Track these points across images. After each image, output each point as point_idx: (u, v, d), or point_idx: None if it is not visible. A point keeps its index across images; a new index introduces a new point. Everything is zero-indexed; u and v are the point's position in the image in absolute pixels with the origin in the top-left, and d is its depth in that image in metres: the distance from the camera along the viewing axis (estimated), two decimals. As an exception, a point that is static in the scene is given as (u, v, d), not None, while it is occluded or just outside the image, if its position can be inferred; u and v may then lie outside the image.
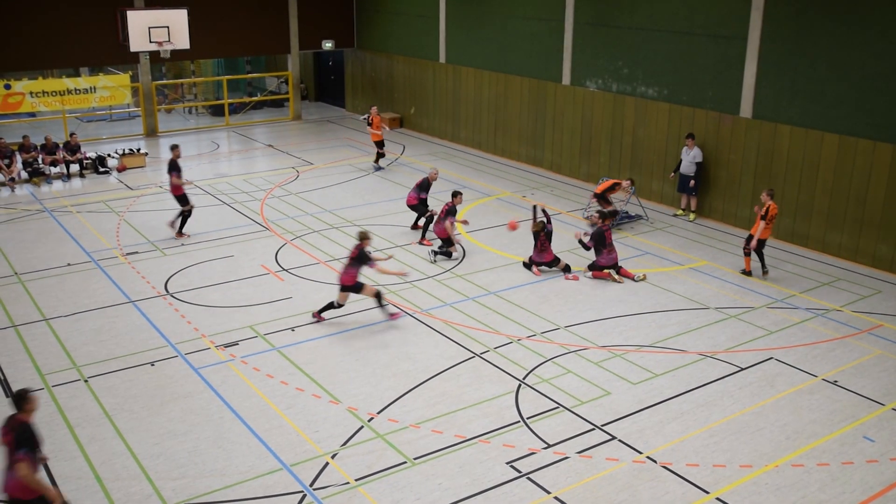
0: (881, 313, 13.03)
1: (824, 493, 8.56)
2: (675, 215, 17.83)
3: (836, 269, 14.84)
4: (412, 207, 16.64)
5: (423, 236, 16.21)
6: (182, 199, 16.16)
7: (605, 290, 13.79)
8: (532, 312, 12.91)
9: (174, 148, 16.35)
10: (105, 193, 19.58)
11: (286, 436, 9.51)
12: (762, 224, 13.94)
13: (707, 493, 8.53)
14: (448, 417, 9.91)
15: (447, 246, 15.18)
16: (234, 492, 8.53)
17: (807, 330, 12.38)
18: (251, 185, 20.23)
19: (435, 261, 15.09)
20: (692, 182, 17.17)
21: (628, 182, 17.13)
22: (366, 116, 21.90)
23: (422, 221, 16.55)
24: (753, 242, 14.09)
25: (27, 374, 10.93)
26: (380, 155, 21.88)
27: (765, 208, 13.97)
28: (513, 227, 15.17)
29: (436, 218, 15.57)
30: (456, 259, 15.15)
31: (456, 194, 15.47)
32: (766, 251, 14.56)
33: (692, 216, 17.61)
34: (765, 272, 14.32)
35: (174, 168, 15.92)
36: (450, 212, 15.19)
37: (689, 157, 17.13)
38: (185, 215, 16.26)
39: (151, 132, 26.14)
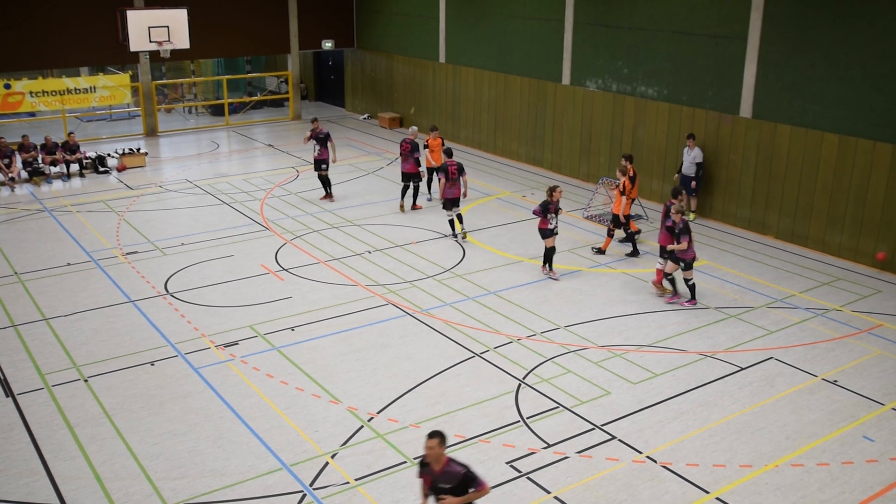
0: (881, 313, 13.03)
1: (824, 492, 8.56)
2: None
3: (836, 269, 14.84)
4: (412, 176, 18.04)
5: (416, 202, 18.31)
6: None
7: (605, 290, 13.79)
8: (532, 312, 12.91)
9: (314, 120, 18.91)
10: (105, 193, 19.58)
11: (286, 436, 9.51)
12: (623, 200, 14.85)
13: (707, 492, 8.54)
14: (448, 417, 9.91)
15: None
16: (233, 491, 8.52)
17: (807, 330, 12.38)
18: (251, 185, 20.23)
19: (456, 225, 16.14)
20: (693, 183, 17.17)
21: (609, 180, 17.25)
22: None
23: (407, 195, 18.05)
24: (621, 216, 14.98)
25: (27, 374, 10.93)
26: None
27: (621, 183, 14.84)
28: (882, 258, 14.35)
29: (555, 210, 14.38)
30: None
31: (678, 192, 13.97)
32: (770, 250, 14.56)
33: (692, 216, 17.60)
34: (633, 254, 15.26)
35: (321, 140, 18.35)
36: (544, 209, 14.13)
37: (690, 158, 17.13)
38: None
39: (151, 132, 26.13)
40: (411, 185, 18.17)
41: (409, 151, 17.91)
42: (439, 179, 16.06)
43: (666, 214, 13.44)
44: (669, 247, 13.03)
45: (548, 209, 14.02)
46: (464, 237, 16.23)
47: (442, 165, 16.17)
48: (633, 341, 11.97)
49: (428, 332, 12.20)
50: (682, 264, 13.05)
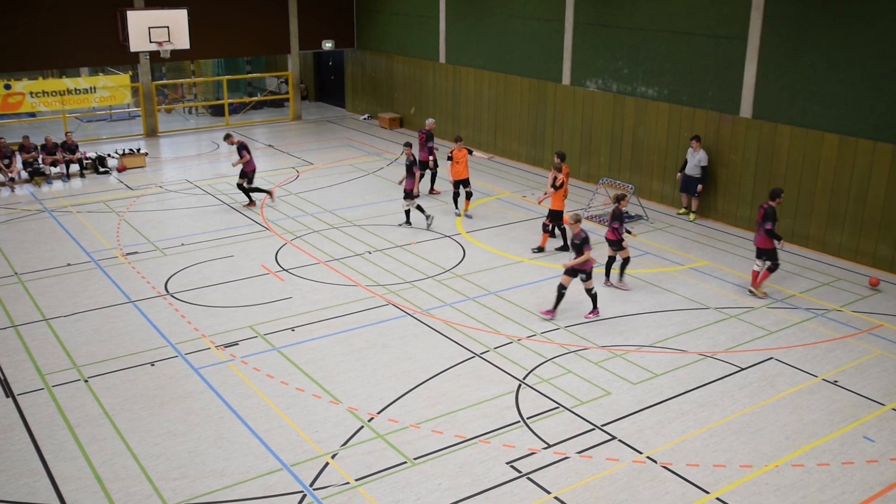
0: (881, 313, 13.03)
1: (824, 493, 8.56)
2: (678, 214, 17.84)
3: (836, 269, 14.84)
4: (425, 164, 18.95)
5: (433, 186, 19.42)
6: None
7: (605, 290, 13.78)
8: (532, 312, 12.91)
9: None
10: (105, 193, 19.58)
11: (286, 436, 9.51)
12: (560, 196, 15.26)
13: (707, 493, 8.54)
14: (448, 417, 9.91)
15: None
16: (234, 492, 8.52)
17: (807, 330, 12.38)
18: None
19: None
20: (699, 186, 17.09)
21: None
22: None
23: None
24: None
25: (27, 374, 10.93)
26: (466, 195, 17.85)
27: (557, 179, 15.12)
28: (875, 283, 14.00)
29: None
30: None
31: (777, 194, 13.48)
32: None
33: (692, 216, 17.60)
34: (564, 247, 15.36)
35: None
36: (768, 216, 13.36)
37: (695, 160, 17.05)
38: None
39: (151, 132, 26.14)
40: (427, 172, 19.27)
41: (424, 141, 19.11)
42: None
43: (764, 217, 13.13)
44: (566, 263, 12.42)
45: (621, 218, 13.65)
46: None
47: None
48: (634, 341, 11.97)
49: (428, 333, 12.20)
50: (582, 275, 12.44)
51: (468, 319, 12.65)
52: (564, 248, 15.59)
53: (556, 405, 10.20)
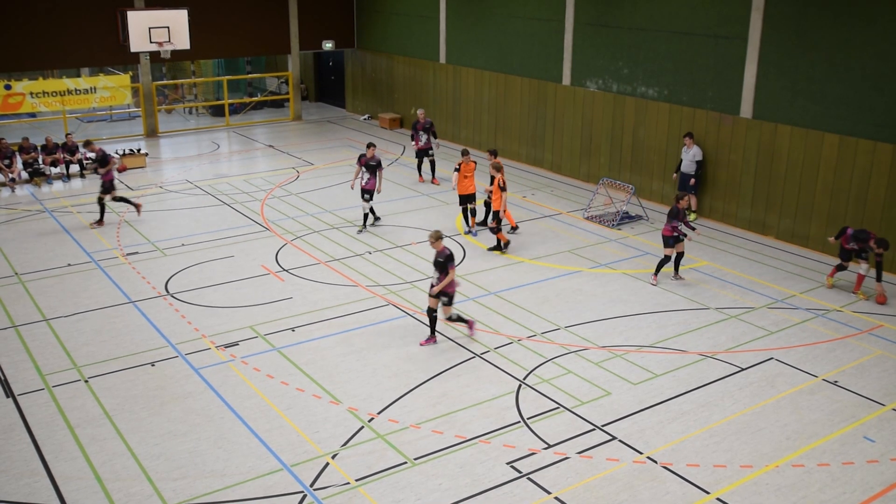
0: (881, 314, 13.02)
1: (825, 493, 8.55)
2: None
3: (837, 270, 14.84)
4: (420, 152, 20.22)
5: (432, 174, 20.26)
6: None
7: (605, 291, 13.79)
8: (532, 313, 12.91)
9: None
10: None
11: (286, 436, 9.51)
12: (504, 196, 15.28)
13: (707, 493, 8.53)
14: (448, 418, 9.91)
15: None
16: (234, 492, 8.53)
17: (807, 330, 12.38)
18: (251, 186, 20.24)
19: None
20: (692, 181, 17.19)
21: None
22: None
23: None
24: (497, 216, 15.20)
25: (27, 375, 10.93)
26: (471, 211, 16.74)
27: (499, 180, 15.26)
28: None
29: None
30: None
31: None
32: (770, 251, 14.56)
33: (692, 216, 17.60)
34: (503, 247, 15.45)
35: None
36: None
37: (689, 156, 17.15)
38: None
39: (152, 132, 26.14)
40: (425, 159, 20.33)
41: (418, 131, 20.29)
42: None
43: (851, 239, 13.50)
44: (434, 289, 11.48)
45: (677, 217, 13.67)
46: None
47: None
48: (634, 342, 11.97)
49: (428, 333, 12.19)
50: (444, 298, 11.57)
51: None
52: (499, 247, 15.56)
53: (557, 405, 10.20)
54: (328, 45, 28.51)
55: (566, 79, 20.59)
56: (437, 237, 11.54)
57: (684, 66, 17.67)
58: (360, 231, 16.68)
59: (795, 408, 10.20)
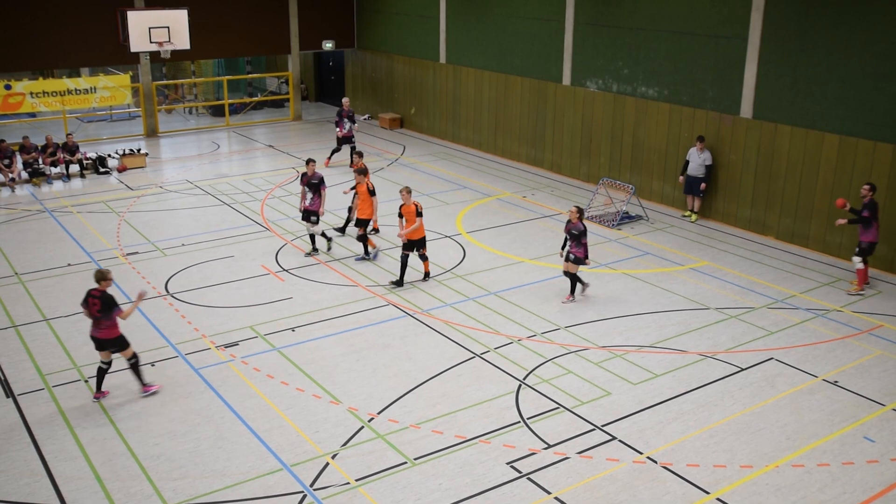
0: (881, 314, 13.02)
1: (825, 493, 8.56)
2: (683, 216, 17.79)
3: (837, 270, 14.84)
4: (346, 139, 21.48)
5: (351, 160, 20.56)
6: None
7: (605, 291, 13.78)
8: (532, 313, 12.91)
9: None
10: (105, 194, 19.58)
11: (286, 436, 9.51)
12: (375, 201, 14.93)
13: (707, 493, 8.54)
14: (448, 418, 9.91)
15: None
16: (234, 492, 8.53)
17: (807, 330, 12.38)
18: (251, 186, 20.24)
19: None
20: (703, 185, 17.07)
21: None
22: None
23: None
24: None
25: (27, 375, 10.93)
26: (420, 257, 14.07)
27: (368, 184, 14.90)
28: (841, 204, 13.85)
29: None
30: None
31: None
32: (770, 251, 14.56)
33: (694, 217, 17.60)
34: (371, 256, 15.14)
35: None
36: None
37: (700, 160, 17.02)
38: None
39: (152, 132, 26.14)
40: (345, 146, 21.76)
41: (343, 119, 21.52)
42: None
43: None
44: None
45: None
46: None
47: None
48: (634, 342, 11.97)
49: (428, 333, 12.20)
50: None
51: (468, 320, 12.65)
52: (367, 256, 15.01)
53: (557, 405, 10.20)
54: (328, 45, 28.52)
55: (566, 79, 20.60)
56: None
57: (684, 66, 17.67)
58: (308, 255, 15.22)
59: (795, 408, 10.20)
